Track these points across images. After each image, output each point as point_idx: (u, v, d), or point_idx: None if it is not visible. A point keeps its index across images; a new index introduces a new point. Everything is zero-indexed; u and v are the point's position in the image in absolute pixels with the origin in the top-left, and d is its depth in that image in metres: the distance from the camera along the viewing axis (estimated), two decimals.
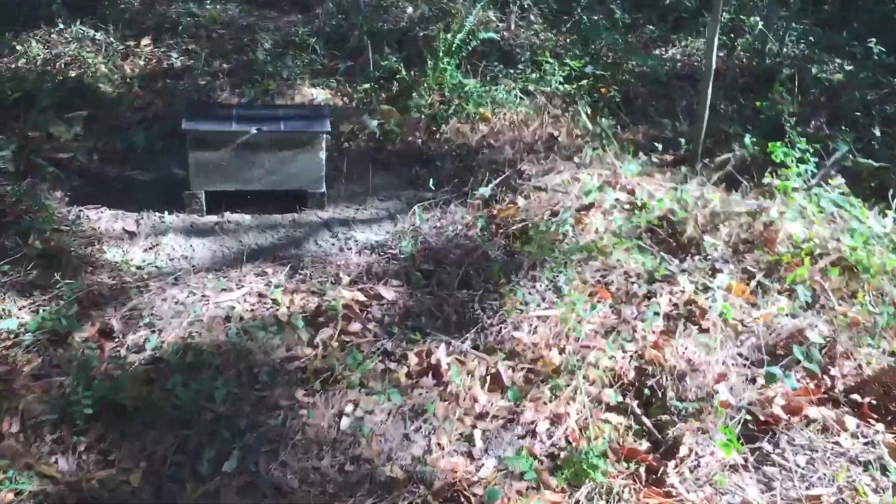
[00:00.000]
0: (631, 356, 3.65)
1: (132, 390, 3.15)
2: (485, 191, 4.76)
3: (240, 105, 4.75)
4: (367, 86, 5.81)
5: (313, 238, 4.52)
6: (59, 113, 5.23)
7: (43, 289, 3.70)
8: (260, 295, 3.94)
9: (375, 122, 5.48)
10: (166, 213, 4.59)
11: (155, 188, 4.85)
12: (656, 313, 3.93)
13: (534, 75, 6.05)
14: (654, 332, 3.83)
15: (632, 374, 3.55)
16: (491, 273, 4.06)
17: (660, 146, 5.64)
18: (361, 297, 3.91)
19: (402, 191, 5.10)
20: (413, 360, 3.56)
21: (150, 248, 4.28)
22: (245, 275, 4.09)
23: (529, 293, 3.99)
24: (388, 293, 3.95)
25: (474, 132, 5.69)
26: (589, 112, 5.95)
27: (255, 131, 4.47)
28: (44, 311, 3.57)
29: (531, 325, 3.79)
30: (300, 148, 4.57)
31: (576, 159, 5.40)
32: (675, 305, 4.07)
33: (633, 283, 4.15)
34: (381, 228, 4.67)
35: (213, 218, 4.62)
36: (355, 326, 3.74)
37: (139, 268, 4.10)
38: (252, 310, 3.83)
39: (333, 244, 4.47)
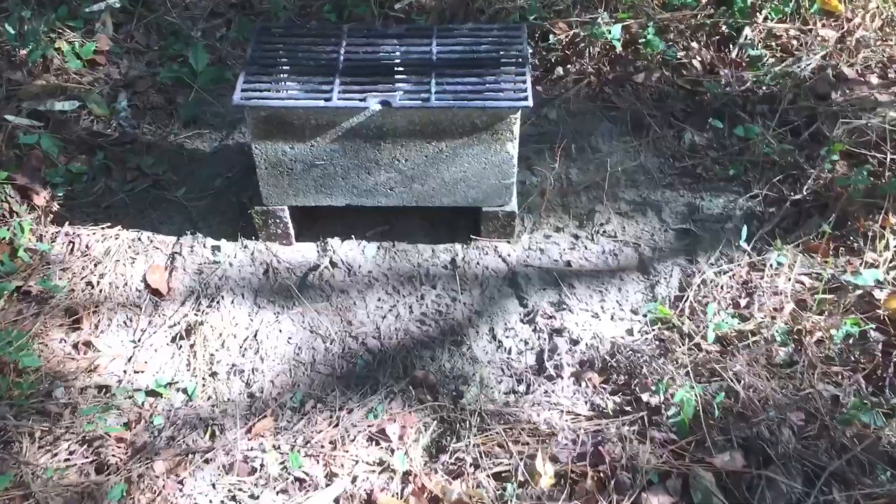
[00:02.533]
0: None
1: None
2: (876, 274, 2.37)
3: (355, 29, 2.49)
4: None
5: (487, 321, 2.44)
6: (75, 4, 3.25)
7: None
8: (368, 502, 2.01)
9: (617, 29, 3.07)
10: (224, 240, 2.64)
11: (213, 171, 2.88)
12: None
13: None
14: None
15: None
16: None
17: None
18: None
19: (662, 188, 2.81)
20: None
21: (183, 338, 2.39)
22: (346, 433, 2.14)
23: None
24: None
25: (807, 45, 3.13)
26: None
27: (377, 108, 2.30)
28: None
29: None
30: (469, 136, 2.37)
31: None
32: None
33: None
34: (624, 298, 2.48)
35: (308, 253, 2.63)
36: None
37: (151, 394, 2.25)
38: None
39: (526, 344, 2.38)
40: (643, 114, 2.99)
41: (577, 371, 2.29)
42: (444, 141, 2.39)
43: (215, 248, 2.63)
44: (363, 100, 2.32)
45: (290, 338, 2.42)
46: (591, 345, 2.35)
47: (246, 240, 2.64)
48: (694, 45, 3.18)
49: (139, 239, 2.66)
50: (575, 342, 2.36)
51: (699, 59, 3.15)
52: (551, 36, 3.19)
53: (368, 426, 2.17)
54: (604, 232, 2.68)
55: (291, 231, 2.63)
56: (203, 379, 2.32)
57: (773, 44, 3.19)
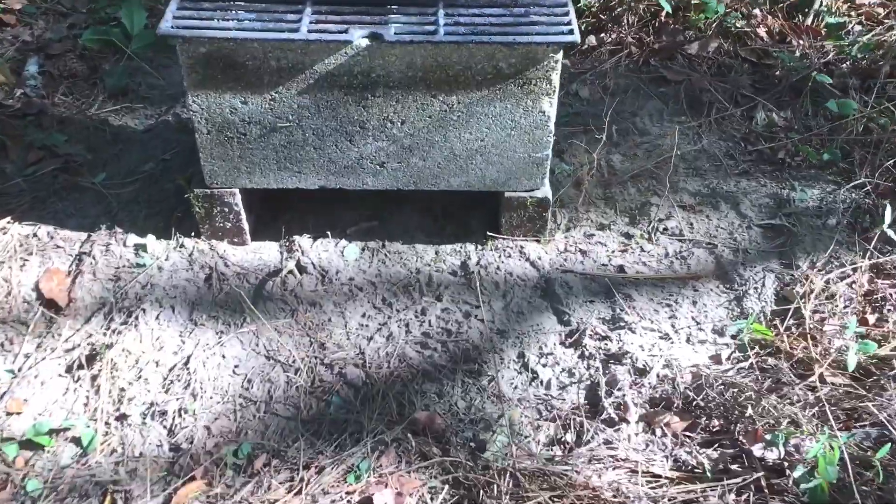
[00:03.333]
0: None
1: None
2: None
3: None
4: None
5: (515, 344, 1.77)
6: None
7: None
8: None
9: None
10: (151, 236, 1.96)
11: (144, 153, 2.22)
12: None
13: None
14: None
15: None
16: None
17: None
18: None
19: (735, 177, 2.19)
20: None
21: (83, 366, 1.70)
22: (314, 503, 1.45)
23: None
24: None
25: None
26: None
27: (364, 42, 1.66)
28: None
29: None
30: (490, 88, 1.73)
31: None
32: None
33: None
34: (702, 313, 1.83)
35: (268, 255, 1.96)
36: None
37: (28, 446, 1.55)
38: None
39: (571, 375, 1.71)
40: (701, 89, 2.39)
41: (648, 413, 1.62)
42: (456, 94, 1.75)
43: (139, 248, 1.96)
44: (344, 32, 1.68)
45: (236, 366, 1.74)
46: (664, 376, 1.69)
47: (183, 237, 1.98)
48: (756, 12, 2.60)
49: (35, 235, 1.99)
50: (641, 372, 1.70)
51: (765, 27, 2.56)
52: None
53: (347, 493, 1.48)
54: (665, 229, 2.04)
55: (245, 225, 1.97)
56: (106, 424, 1.62)
57: (854, 13, 2.62)
